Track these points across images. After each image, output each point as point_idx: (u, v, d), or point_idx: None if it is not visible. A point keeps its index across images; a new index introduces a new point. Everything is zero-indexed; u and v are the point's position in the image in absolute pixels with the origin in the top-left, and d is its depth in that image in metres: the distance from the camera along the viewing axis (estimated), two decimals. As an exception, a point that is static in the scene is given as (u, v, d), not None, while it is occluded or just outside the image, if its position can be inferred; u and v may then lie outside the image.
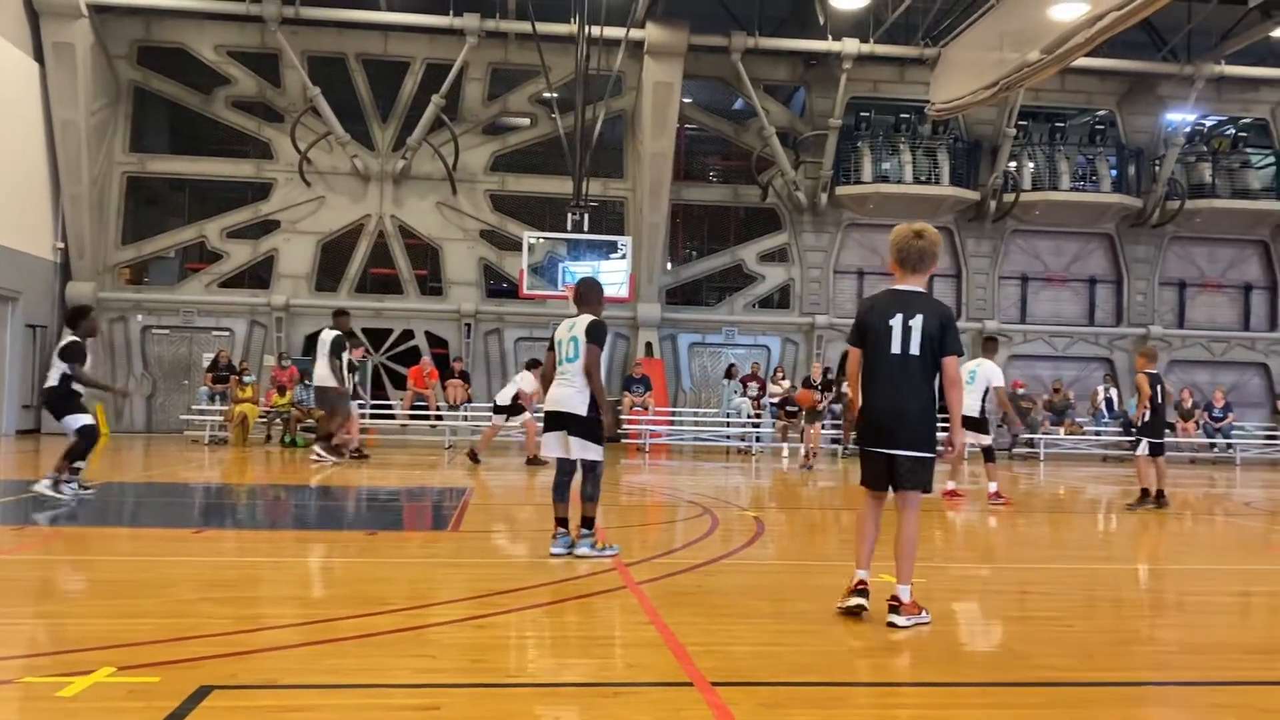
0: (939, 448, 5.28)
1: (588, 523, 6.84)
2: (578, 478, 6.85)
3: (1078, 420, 22.67)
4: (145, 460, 15.70)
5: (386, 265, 23.16)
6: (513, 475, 14.66)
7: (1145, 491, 11.09)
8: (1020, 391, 22.31)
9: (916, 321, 5.06)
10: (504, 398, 16.05)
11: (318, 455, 14.71)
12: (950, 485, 11.63)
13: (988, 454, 12.01)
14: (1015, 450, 21.67)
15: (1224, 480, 17.06)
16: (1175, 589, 6.61)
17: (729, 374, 22.51)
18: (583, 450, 6.77)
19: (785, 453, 19.89)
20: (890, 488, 5.19)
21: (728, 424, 21.87)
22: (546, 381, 7.02)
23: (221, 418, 19.48)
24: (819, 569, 7.07)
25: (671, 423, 22.20)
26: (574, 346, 6.80)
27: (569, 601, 5.53)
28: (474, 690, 3.86)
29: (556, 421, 6.83)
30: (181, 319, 22.55)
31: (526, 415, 15.80)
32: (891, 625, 4.90)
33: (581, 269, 20.40)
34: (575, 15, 20.42)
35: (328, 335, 14.77)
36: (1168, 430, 12.03)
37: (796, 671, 4.20)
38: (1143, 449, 11.14)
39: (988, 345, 12.58)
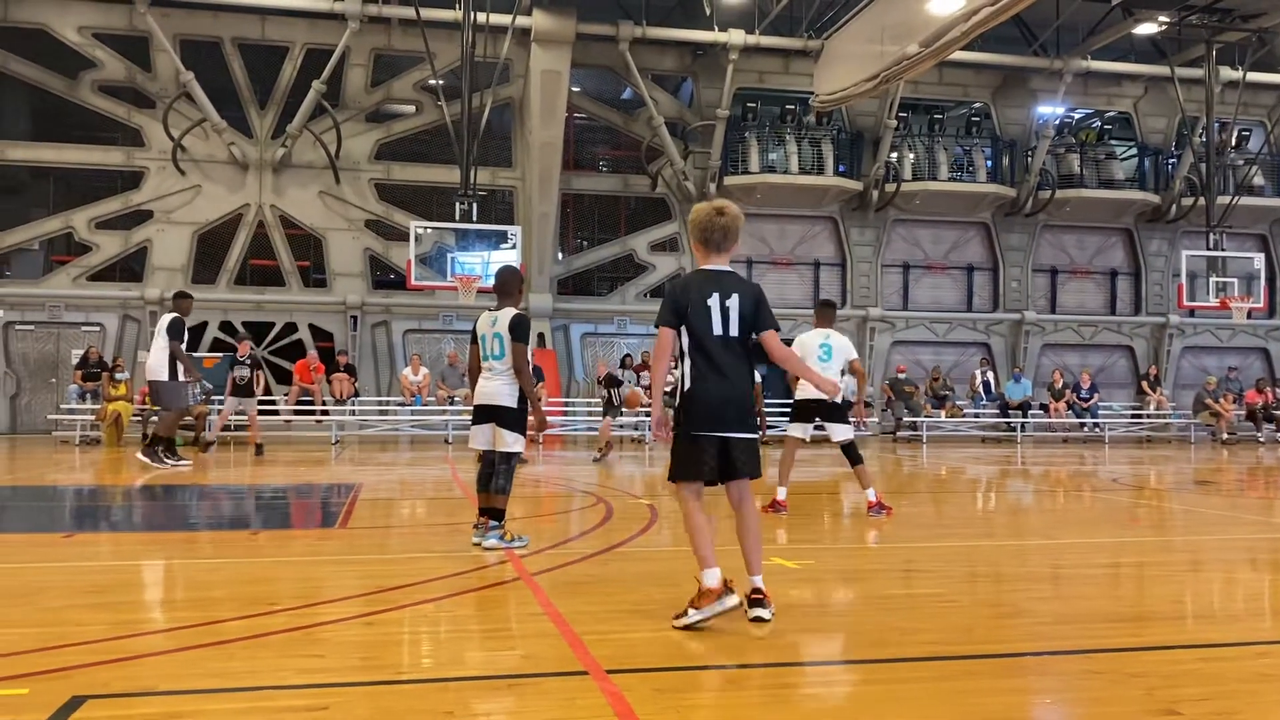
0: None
1: (498, 514, 6.85)
2: None
3: (958, 403, 23.46)
4: (10, 463, 14.92)
5: (267, 256, 22.49)
6: (404, 470, 14.42)
7: None
8: (902, 376, 23.02)
9: (733, 301, 4.91)
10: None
11: (154, 461, 12.80)
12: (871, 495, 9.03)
13: (852, 454, 9.02)
14: (900, 434, 22.33)
15: (1093, 458, 17.87)
16: (1050, 563, 6.88)
17: (624, 364, 22.53)
18: (514, 443, 6.85)
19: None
20: (719, 478, 4.86)
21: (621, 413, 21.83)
22: (473, 375, 7.12)
23: (93, 417, 18.67)
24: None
25: (565, 413, 22.16)
26: (499, 343, 6.87)
27: (461, 596, 5.46)
28: (364, 688, 3.77)
29: (485, 414, 6.91)
30: (48, 314, 21.51)
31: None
32: (759, 620, 4.70)
33: (471, 259, 20.18)
34: (460, 1, 20.13)
35: (165, 319, 13.11)
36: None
37: (691, 656, 4.23)
38: None
39: (824, 311, 9.31)
